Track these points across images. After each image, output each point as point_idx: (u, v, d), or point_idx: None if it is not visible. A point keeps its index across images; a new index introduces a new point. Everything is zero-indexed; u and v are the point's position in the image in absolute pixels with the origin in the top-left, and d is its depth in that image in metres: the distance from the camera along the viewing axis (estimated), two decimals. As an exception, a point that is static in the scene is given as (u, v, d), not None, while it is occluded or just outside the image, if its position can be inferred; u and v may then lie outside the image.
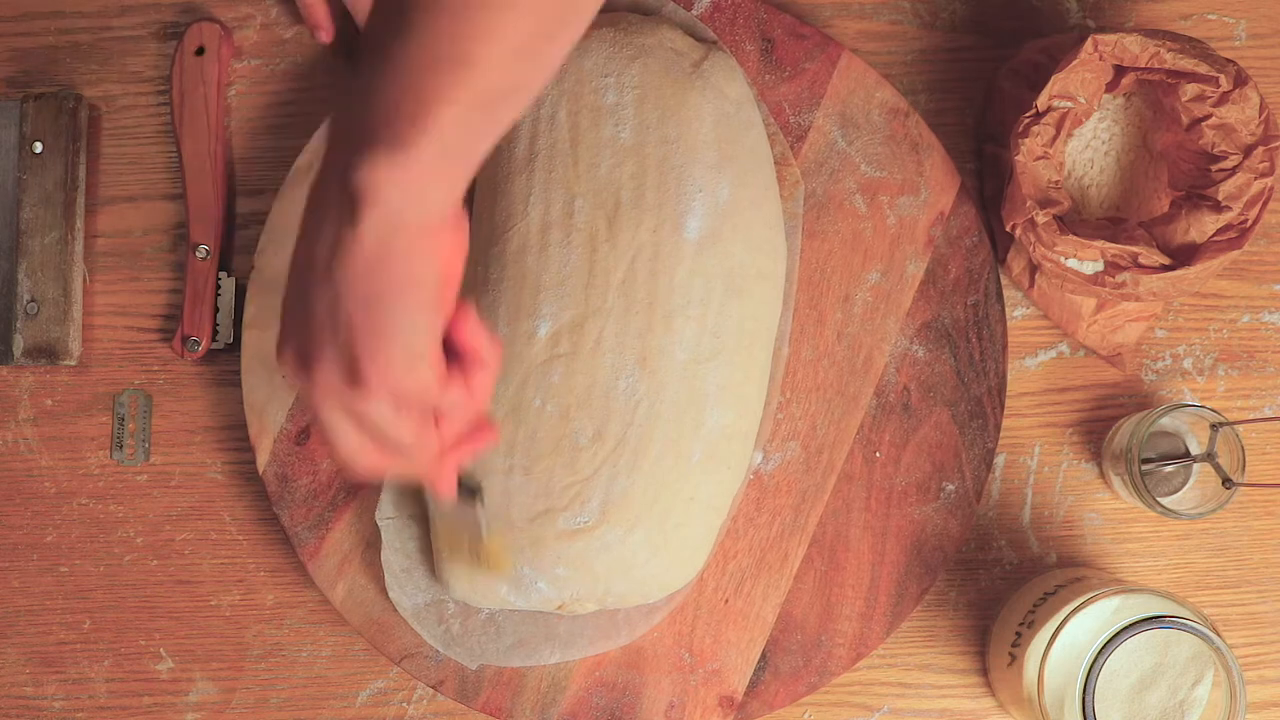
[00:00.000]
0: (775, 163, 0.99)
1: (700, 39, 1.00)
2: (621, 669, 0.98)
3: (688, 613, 0.98)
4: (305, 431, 1.00)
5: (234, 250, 1.04)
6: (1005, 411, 1.00)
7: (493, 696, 0.98)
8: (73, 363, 1.02)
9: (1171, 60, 0.93)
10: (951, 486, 0.99)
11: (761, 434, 0.98)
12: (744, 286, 0.95)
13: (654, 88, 0.95)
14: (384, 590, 0.98)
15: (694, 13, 1.01)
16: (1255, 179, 0.93)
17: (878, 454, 0.99)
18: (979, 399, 0.99)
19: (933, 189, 1.01)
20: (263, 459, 1.00)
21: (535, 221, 0.94)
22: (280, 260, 1.00)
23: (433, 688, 0.98)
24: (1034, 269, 1.00)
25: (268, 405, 1.00)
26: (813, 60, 1.01)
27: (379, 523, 0.97)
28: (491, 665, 0.98)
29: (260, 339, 1.00)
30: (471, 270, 0.96)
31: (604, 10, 1.00)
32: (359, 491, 0.99)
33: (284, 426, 1.00)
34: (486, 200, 0.96)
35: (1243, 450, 0.95)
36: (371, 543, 0.99)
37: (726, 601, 0.99)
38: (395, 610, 0.98)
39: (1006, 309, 1.01)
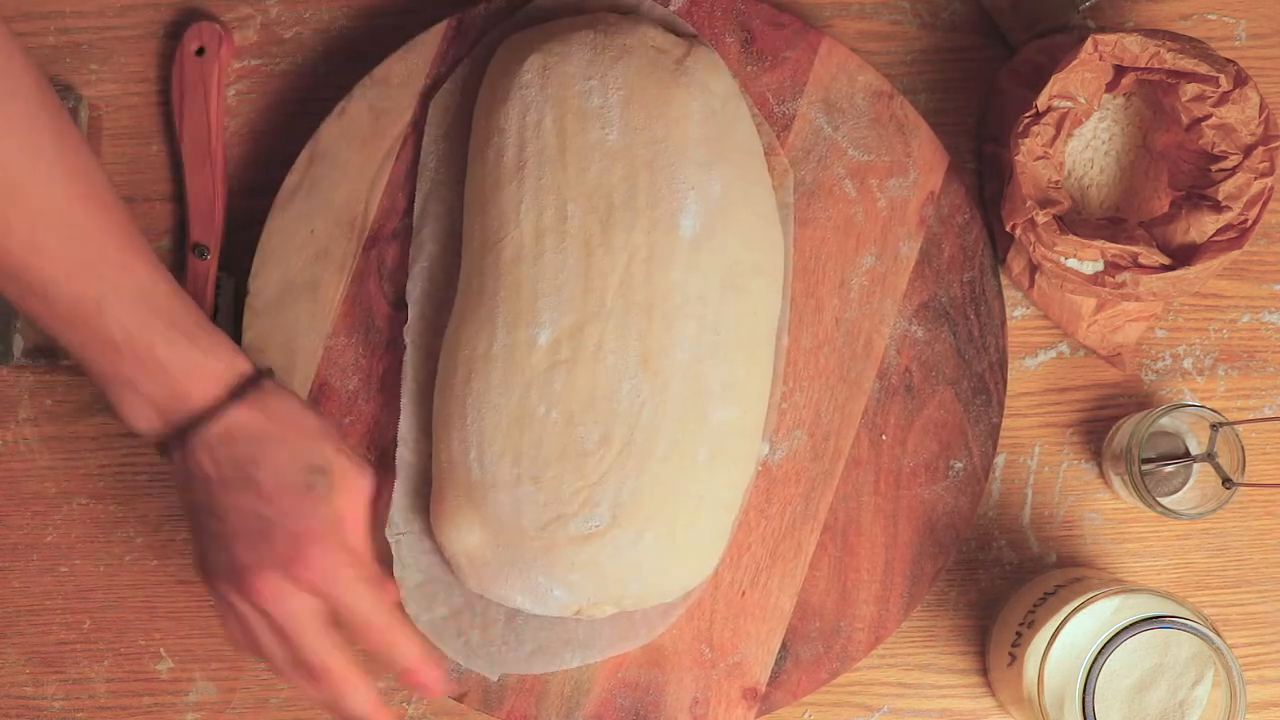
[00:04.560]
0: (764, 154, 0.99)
1: (680, 34, 1.00)
2: (643, 668, 0.98)
3: (705, 608, 0.98)
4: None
5: (234, 250, 1.04)
6: (1005, 411, 1.00)
7: (517, 704, 0.98)
8: (73, 362, 1.02)
9: (1171, 60, 0.93)
10: (959, 464, 0.99)
11: (767, 426, 0.98)
12: (741, 282, 0.95)
13: (639, 88, 0.95)
14: (400, 606, 0.98)
15: (672, 8, 1.01)
16: (1255, 179, 0.93)
17: (884, 437, 0.99)
18: (981, 375, 0.99)
19: (921, 169, 1.01)
20: None
21: (528, 229, 0.94)
22: (274, 282, 1.00)
23: (456, 700, 0.98)
24: (1034, 269, 1.00)
25: None
26: (793, 48, 1.01)
27: (390, 539, 0.97)
28: (513, 674, 0.98)
29: (259, 361, 0.99)
30: (467, 280, 0.96)
31: (581, 11, 1.00)
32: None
33: None
34: (477, 210, 0.96)
35: (1243, 450, 0.95)
36: (384, 560, 0.98)
37: (743, 594, 0.99)
38: (413, 625, 0.97)
39: (1007, 309, 1.01)
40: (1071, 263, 0.95)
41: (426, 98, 1.01)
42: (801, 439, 0.99)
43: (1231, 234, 0.94)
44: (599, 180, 0.94)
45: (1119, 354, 1.01)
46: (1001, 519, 1.02)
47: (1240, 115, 0.93)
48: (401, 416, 0.98)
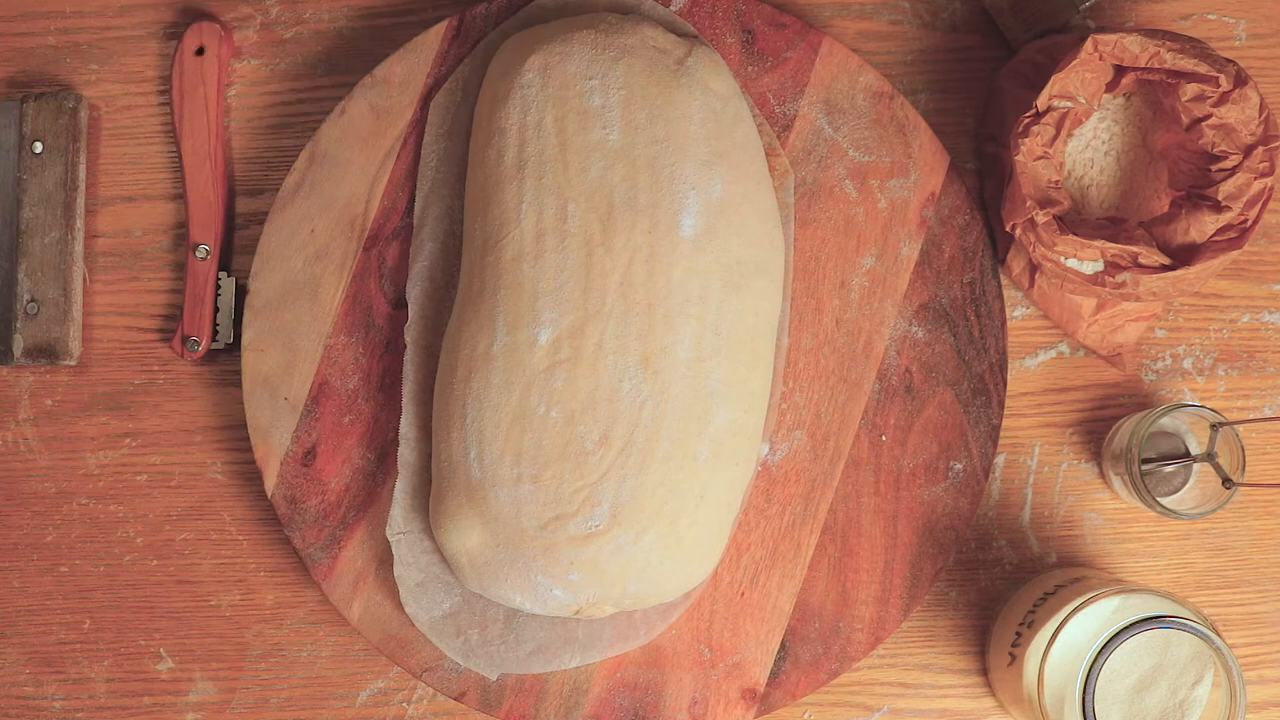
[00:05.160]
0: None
1: (681, 34, 1.00)
2: (642, 668, 0.98)
3: (705, 608, 0.99)
4: (311, 452, 1.00)
5: (234, 250, 1.04)
6: (1005, 411, 1.00)
7: (516, 704, 0.98)
8: (73, 363, 1.03)
9: (1171, 60, 0.93)
10: (959, 465, 0.99)
11: (767, 426, 0.98)
12: (742, 281, 0.95)
13: (640, 88, 0.95)
14: (400, 606, 0.98)
15: (672, 8, 1.01)
16: (1255, 179, 0.93)
17: (883, 437, 0.99)
18: (981, 376, 0.99)
19: (922, 170, 1.01)
20: (270, 482, 0.99)
21: (529, 229, 0.94)
22: (274, 282, 1.00)
23: (455, 699, 0.98)
24: (1034, 269, 1.00)
25: (272, 428, 1.00)
26: (794, 49, 1.01)
27: (390, 539, 0.97)
28: (512, 674, 0.98)
29: (260, 361, 1.00)
30: (468, 280, 0.96)
31: (582, 11, 1.00)
32: (368, 509, 0.99)
33: (290, 449, 1.00)
34: (478, 210, 0.96)
35: (1243, 450, 0.95)
36: (384, 559, 0.99)
37: (743, 594, 0.99)
38: (413, 625, 0.98)
39: (1007, 309, 1.01)
40: (1071, 263, 0.95)
41: (427, 98, 1.01)
42: (801, 439, 0.99)
43: (1231, 234, 0.94)
44: (600, 180, 0.94)
45: (1119, 354, 1.01)
46: (1001, 519, 1.02)
47: (1240, 115, 0.93)
48: (402, 416, 0.98)
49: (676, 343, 0.93)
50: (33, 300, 1.02)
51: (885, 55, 1.04)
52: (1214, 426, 0.96)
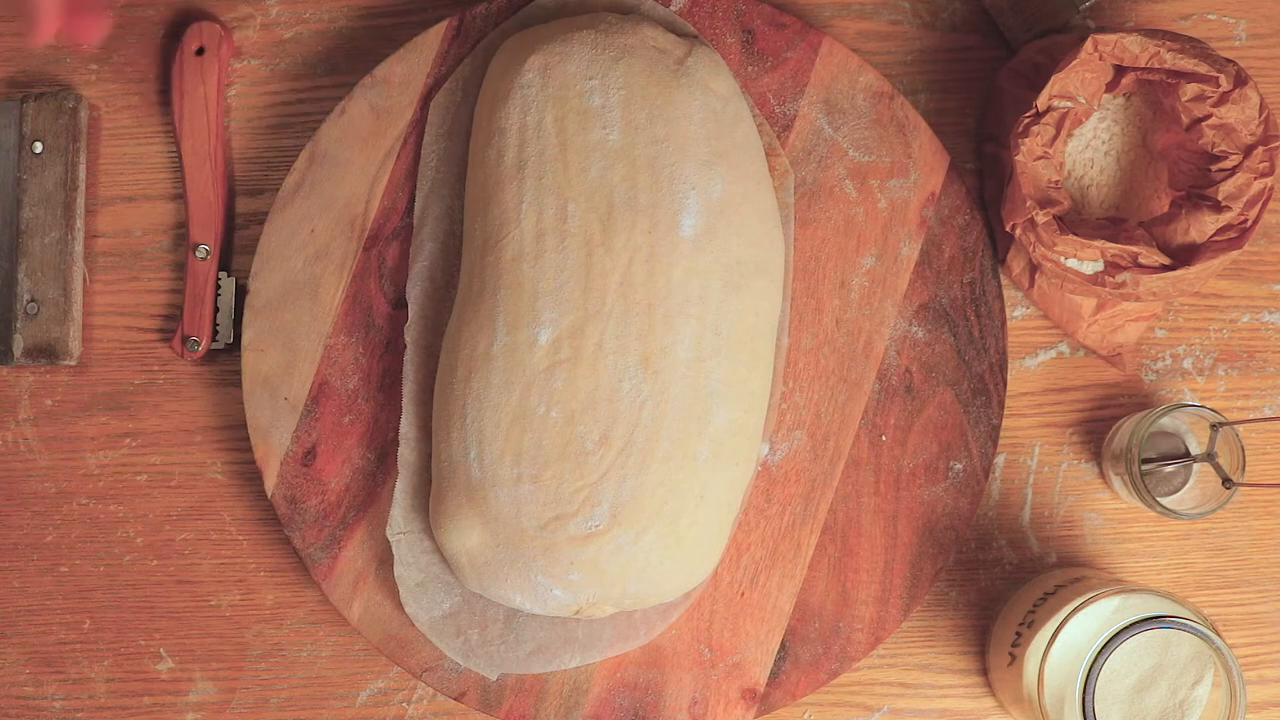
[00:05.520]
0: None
1: (681, 34, 1.00)
2: (642, 668, 0.98)
3: (704, 608, 0.99)
4: (311, 452, 1.00)
5: (234, 250, 1.04)
6: (1005, 411, 1.00)
7: (516, 704, 0.98)
8: (73, 363, 1.03)
9: (1171, 60, 0.93)
10: (959, 465, 0.99)
11: (767, 426, 0.98)
12: (742, 281, 0.95)
13: (640, 88, 0.95)
14: (400, 606, 0.98)
15: (672, 8, 1.01)
16: (1255, 179, 0.93)
17: (883, 437, 0.99)
18: (981, 376, 0.99)
19: (922, 170, 1.01)
20: (270, 482, 0.99)
21: (529, 229, 0.94)
22: (274, 282, 1.00)
23: (455, 699, 0.98)
24: (1034, 269, 1.00)
25: (272, 428, 1.00)
26: (794, 49, 1.01)
27: (390, 538, 0.97)
28: (512, 674, 0.98)
29: (260, 361, 1.00)
30: (468, 280, 0.96)
31: (582, 11, 1.00)
32: (368, 509, 0.99)
33: (290, 449, 1.00)
34: (478, 210, 0.96)
35: (1243, 450, 0.95)
36: (384, 559, 0.99)
37: (742, 594, 0.99)
38: (413, 625, 0.98)
39: (1007, 309, 1.01)
40: (1071, 263, 0.95)
41: (427, 98, 1.01)
42: (801, 439, 0.99)
43: (1231, 234, 0.94)
44: (600, 180, 0.94)
45: (1119, 354, 1.01)
46: (1001, 519, 1.02)
47: (1240, 115, 0.93)
48: (402, 416, 0.98)
49: (676, 343, 0.93)
50: (33, 300, 1.02)
51: (885, 55, 1.04)
52: (1214, 426, 0.96)
